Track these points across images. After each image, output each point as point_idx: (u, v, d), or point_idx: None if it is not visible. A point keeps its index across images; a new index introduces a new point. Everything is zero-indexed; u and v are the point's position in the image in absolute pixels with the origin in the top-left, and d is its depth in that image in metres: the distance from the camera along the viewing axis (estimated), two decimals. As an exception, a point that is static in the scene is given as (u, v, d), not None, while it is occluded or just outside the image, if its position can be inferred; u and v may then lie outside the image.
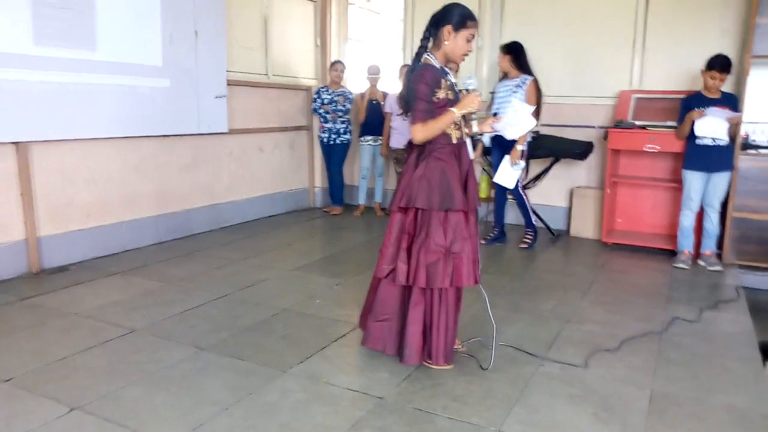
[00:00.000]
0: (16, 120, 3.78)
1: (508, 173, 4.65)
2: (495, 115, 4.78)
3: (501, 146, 4.90)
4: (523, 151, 4.70)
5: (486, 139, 5.04)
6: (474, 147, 2.86)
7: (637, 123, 5.03)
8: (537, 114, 4.78)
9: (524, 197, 5.12)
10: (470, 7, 2.63)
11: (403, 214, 2.64)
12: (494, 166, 5.00)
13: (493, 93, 5.17)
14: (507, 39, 5.84)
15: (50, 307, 3.39)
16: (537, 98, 4.77)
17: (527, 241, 5.12)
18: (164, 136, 4.88)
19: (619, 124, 5.04)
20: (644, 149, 4.92)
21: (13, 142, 3.82)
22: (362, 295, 3.67)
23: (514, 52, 4.83)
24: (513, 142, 4.60)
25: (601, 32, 5.49)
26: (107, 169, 4.48)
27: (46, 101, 3.92)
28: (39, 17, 3.84)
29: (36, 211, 4.00)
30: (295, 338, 3.04)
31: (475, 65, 5.99)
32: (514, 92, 4.77)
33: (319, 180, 6.81)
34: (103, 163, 4.44)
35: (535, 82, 4.79)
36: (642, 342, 3.10)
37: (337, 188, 6.40)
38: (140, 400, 2.38)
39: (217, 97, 5.23)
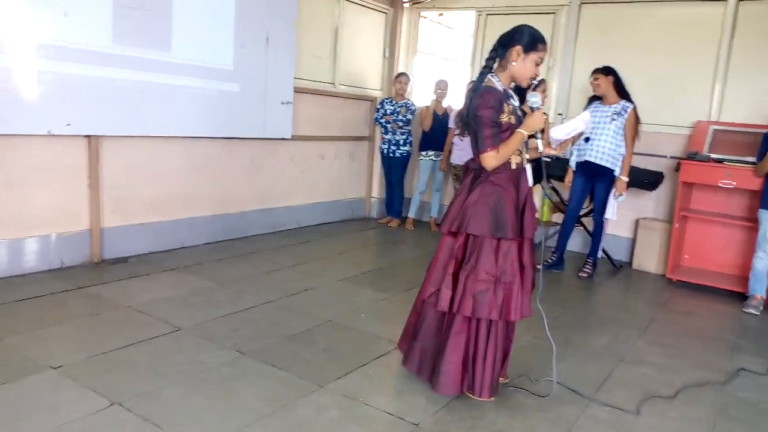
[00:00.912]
0: (91, 114, 3.93)
1: (612, 205, 4.70)
2: (587, 140, 4.69)
3: (586, 172, 4.78)
4: (627, 182, 4.69)
5: (572, 163, 4.90)
6: (540, 170, 2.73)
7: (713, 156, 4.77)
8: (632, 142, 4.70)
9: (605, 227, 4.97)
10: (543, 29, 2.54)
11: (453, 238, 2.57)
12: (575, 193, 4.89)
13: (561, 114, 5.05)
14: (579, 63, 5.73)
15: (105, 298, 3.50)
16: (636, 127, 4.69)
17: (587, 271, 4.94)
18: (228, 138, 4.98)
19: (693, 156, 4.79)
20: (719, 184, 4.65)
21: (85, 136, 3.98)
22: (407, 312, 3.61)
23: (615, 75, 4.69)
24: (602, 169, 4.63)
25: (680, 59, 5.25)
26: (171, 166, 4.60)
27: (119, 98, 4.07)
28: (119, 17, 3.99)
29: (102, 203, 4.15)
30: (336, 352, 3.01)
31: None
32: (614, 120, 4.64)
33: (377, 190, 6.80)
34: (168, 160, 4.57)
35: (635, 109, 4.67)
36: (701, 392, 2.91)
37: (396, 200, 6.37)
38: (178, 401, 2.40)
39: (283, 104, 5.30)
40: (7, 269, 3.71)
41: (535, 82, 2.52)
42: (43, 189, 3.84)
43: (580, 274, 4.92)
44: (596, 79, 4.73)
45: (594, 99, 4.88)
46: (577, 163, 4.84)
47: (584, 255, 5.70)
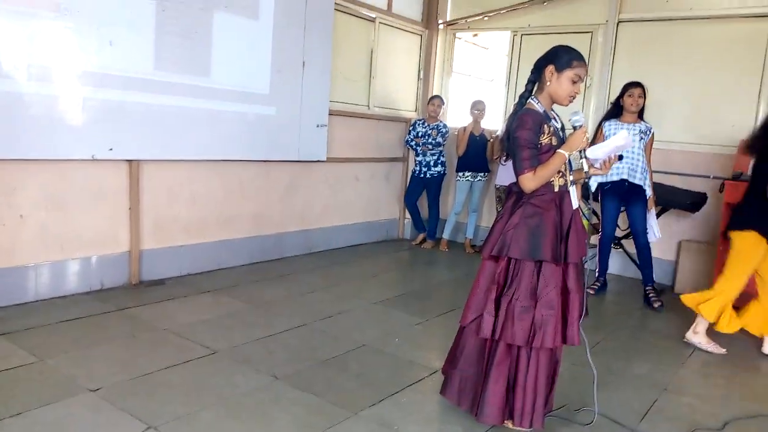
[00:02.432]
0: (132, 139, 4.04)
1: (653, 225, 4.60)
2: (620, 158, 4.46)
3: (619, 192, 4.64)
4: (654, 198, 4.62)
5: (593, 185, 4.72)
6: (585, 190, 2.66)
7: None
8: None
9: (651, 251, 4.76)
10: (580, 49, 2.51)
11: (495, 262, 2.51)
12: (610, 214, 4.72)
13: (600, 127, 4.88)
14: (617, 82, 5.64)
15: (143, 320, 3.56)
16: None
17: (657, 299, 4.67)
18: (265, 161, 5.05)
19: (738, 177, 4.63)
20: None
21: (127, 160, 4.09)
22: (442, 337, 3.59)
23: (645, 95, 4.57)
24: (636, 188, 4.52)
25: (722, 77, 5.12)
26: (209, 189, 4.69)
27: (160, 123, 4.18)
28: (161, 45, 4.11)
29: (141, 226, 4.24)
30: (370, 378, 2.98)
31: (582, 104, 5.78)
32: (642, 138, 4.55)
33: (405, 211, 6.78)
34: (205, 183, 4.65)
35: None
36: (750, 425, 2.78)
37: (431, 221, 6.35)
38: (212, 426, 2.41)
39: (318, 126, 5.36)
40: (50, 291, 3.81)
41: (577, 125, 2.46)
42: (86, 212, 3.95)
43: (655, 306, 4.64)
44: (640, 95, 4.53)
45: (609, 118, 4.67)
46: (608, 183, 4.62)
47: (623, 277, 5.59)
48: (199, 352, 3.14)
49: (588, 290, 4.46)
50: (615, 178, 4.57)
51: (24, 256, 3.69)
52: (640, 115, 4.60)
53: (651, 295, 4.70)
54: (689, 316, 4.47)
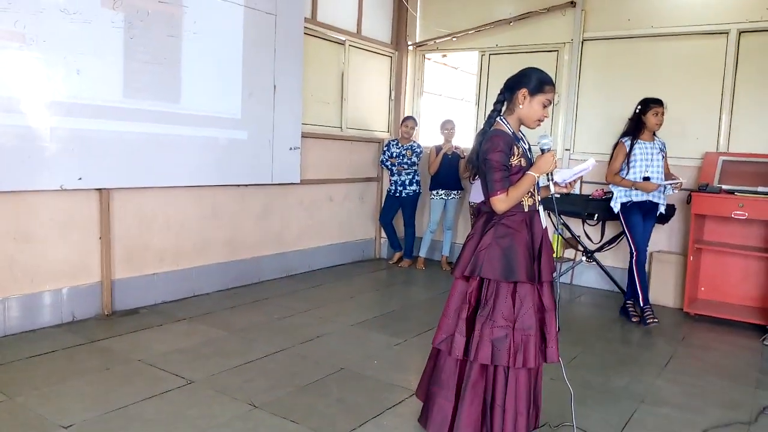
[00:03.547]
0: (102, 168, 3.98)
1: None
2: (647, 179, 4.48)
3: (642, 209, 4.58)
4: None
5: (617, 205, 4.62)
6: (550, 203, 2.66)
7: (725, 187, 4.73)
8: None
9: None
10: (546, 67, 2.55)
11: (466, 282, 2.52)
12: (641, 233, 4.60)
13: (568, 149, 5.00)
14: (584, 99, 5.77)
15: (117, 352, 3.49)
16: None
17: (652, 318, 4.53)
18: (238, 185, 5.02)
19: (704, 188, 4.75)
20: (732, 215, 4.61)
21: (97, 189, 4.03)
22: (421, 358, 3.58)
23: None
24: (654, 206, 4.57)
25: (685, 92, 5.27)
26: (182, 215, 4.64)
27: (130, 150, 4.13)
28: (130, 72, 4.08)
29: (113, 255, 4.17)
30: (350, 402, 2.96)
31: (552, 120, 5.88)
32: (663, 156, 4.59)
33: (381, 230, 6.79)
34: (178, 209, 4.61)
35: None
36: (727, 434, 2.82)
37: (407, 240, 6.37)
38: (190, 459, 2.36)
39: (291, 149, 5.36)
40: (20, 325, 3.72)
41: (545, 149, 2.51)
42: (55, 243, 3.87)
43: (633, 320, 4.61)
44: (663, 113, 4.49)
45: (628, 134, 4.58)
46: (631, 202, 4.55)
47: (597, 290, 5.66)
48: (174, 382, 3.09)
49: (650, 323, 4.46)
50: (640, 198, 4.52)
51: (-9, 291, 3.60)
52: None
53: (646, 313, 4.58)
54: (664, 327, 4.55)
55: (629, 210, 4.59)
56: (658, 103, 4.51)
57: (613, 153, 4.67)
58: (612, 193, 4.71)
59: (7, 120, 3.51)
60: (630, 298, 4.75)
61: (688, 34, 5.26)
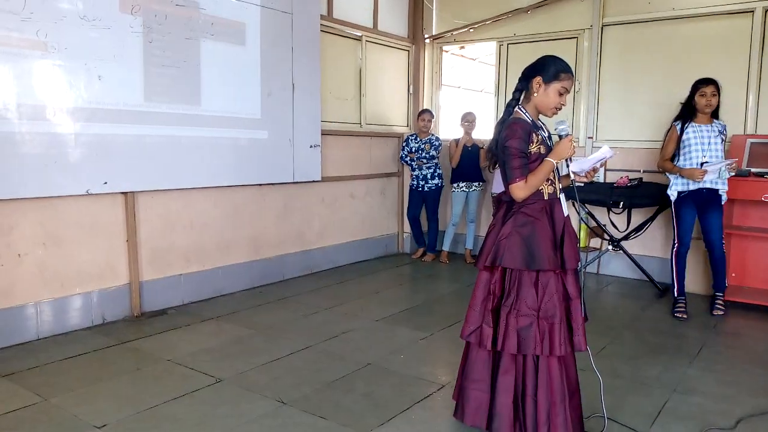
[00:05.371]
0: (126, 171, 4.04)
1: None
2: (702, 165, 4.24)
3: (696, 200, 4.33)
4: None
5: (673, 193, 4.43)
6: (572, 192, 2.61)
7: (753, 170, 4.63)
8: None
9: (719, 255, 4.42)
10: (566, 54, 2.52)
11: (489, 273, 2.51)
12: (688, 225, 4.41)
13: (591, 137, 4.92)
14: (605, 85, 5.68)
15: (147, 352, 3.54)
16: None
17: (721, 306, 4.48)
18: (260, 184, 5.05)
19: (745, 174, 4.62)
20: (762, 198, 4.50)
21: (122, 192, 4.09)
22: (447, 351, 3.58)
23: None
24: (713, 194, 4.28)
25: (710, 74, 5.11)
26: (206, 216, 4.68)
27: (153, 153, 4.18)
28: (150, 76, 4.13)
29: (139, 257, 4.23)
30: (377, 397, 2.96)
31: (572, 109, 5.80)
32: (722, 140, 4.31)
33: (407, 225, 6.78)
34: (202, 210, 4.65)
35: None
36: (763, 422, 2.76)
37: (430, 234, 6.35)
38: (221, 457, 2.39)
39: (311, 147, 5.37)
40: (52, 328, 3.79)
41: (563, 134, 2.48)
42: (83, 247, 3.94)
43: (714, 312, 4.44)
44: (714, 93, 4.25)
45: (681, 118, 4.40)
46: (687, 191, 4.35)
47: (624, 279, 5.59)
48: (204, 381, 3.12)
49: (679, 316, 4.36)
50: (695, 186, 4.31)
51: (24, 295, 3.67)
52: (715, 114, 4.35)
53: (717, 301, 4.50)
54: (694, 315, 4.47)
55: (681, 200, 4.40)
56: (705, 82, 4.29)
57: (665, 139, 4.53)
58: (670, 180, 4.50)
59: (33, 127, 3.58)
60: (719, 291, 4.55)
61: (711, 14, 5.14)
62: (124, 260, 4.16)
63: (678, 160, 4.42)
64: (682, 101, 4.47)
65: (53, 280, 3.81)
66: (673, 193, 4.45)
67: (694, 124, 4.35)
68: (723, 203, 4.35)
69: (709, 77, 4.34)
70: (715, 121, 4.37)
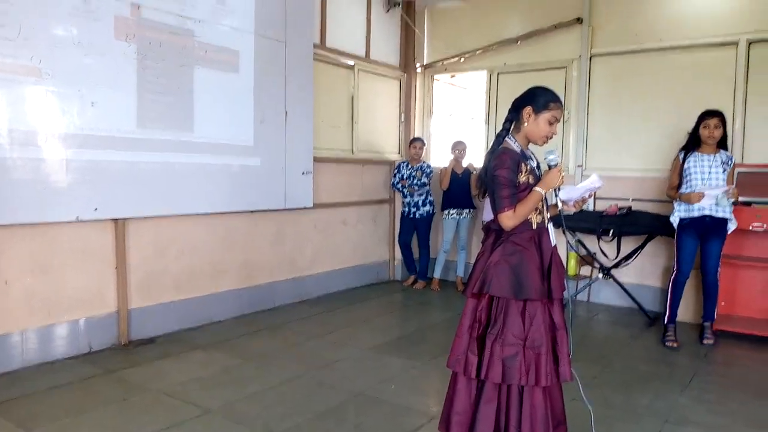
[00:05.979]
0: (117, 198, 4.02)
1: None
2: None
3: (698, 228, 4.37)
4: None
5: (675, 220, 4.45)
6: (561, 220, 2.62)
7: (741, 199, 4.67)
8: None
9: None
10: (555, 84, 2.55)
11: (477, 300, 2.50)
12: (689, 254, 4.42)
13: (580, 166, 4.97)
14: (594, 115, 5.75)
15: (134, 382, 3.48)
16: None
17: (710, 337, 4.51)
18: (252, 211, 5.05)
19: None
20: (750, 228, 4.54)
21: (112, 219, 4.07)
22: (438, 381, 3.55)
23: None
24: (717, 222, 4.31)
25: (696, 104, 5.21)
26: (197, 243, 4.66)
27: (144, 180, 4.17)
28: (143, 102, 4.14)
29: (128, 284, 4.19)
30: (368, 428, 2.93)
31: (561, 138, 5.86)
32: (725, 169, 4.34)
33: (398, 252, 6.77)
34: (193, 237, 4.63)
35: None
36: (755, 453, 2.75)
37: (422, 261, 6.35)
38: (208, 491, 2.34)
39: (303, 174, 5.38)
40: (37, 357, 3.73)
41: (553, 164, 2.52)
42: (71, 274, 3.90)
43: (704, 342, 4.47)
44: (717, 126, 4.30)
45: (688, 148, 4.45)
46: (688, 219, 4.38)
47: (614, 307, 5.59)
48: (192, 412, 3.07)
49: (670, 345, 4.38)
50: (696, 214, 4.34)
51: (9, 324, 3.62)
52: (722, 144, 4.41)
53: (706, 332, 4.52)
54: (685, 343, 4.47)
55: (683, 228, 4.44)
56: (710, 114, 4.36)
57: (671, 168, 4.62)
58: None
59: (24, 153, 3.57)
60: (708, 320, 4.57)
61: (696, 46, 5.24)
62: (112, 287, 4.12)
63: (681, 189, 4.48)
64: (689, 130, 4.53)
65: (40, 308, 3.76)
66: (675, 220, 4.49)
67: (696, 153, 4.42)
68: (729, 232, 4.38)
69: (714, 109, 4.41)
70: (721, 151, 4.41)
